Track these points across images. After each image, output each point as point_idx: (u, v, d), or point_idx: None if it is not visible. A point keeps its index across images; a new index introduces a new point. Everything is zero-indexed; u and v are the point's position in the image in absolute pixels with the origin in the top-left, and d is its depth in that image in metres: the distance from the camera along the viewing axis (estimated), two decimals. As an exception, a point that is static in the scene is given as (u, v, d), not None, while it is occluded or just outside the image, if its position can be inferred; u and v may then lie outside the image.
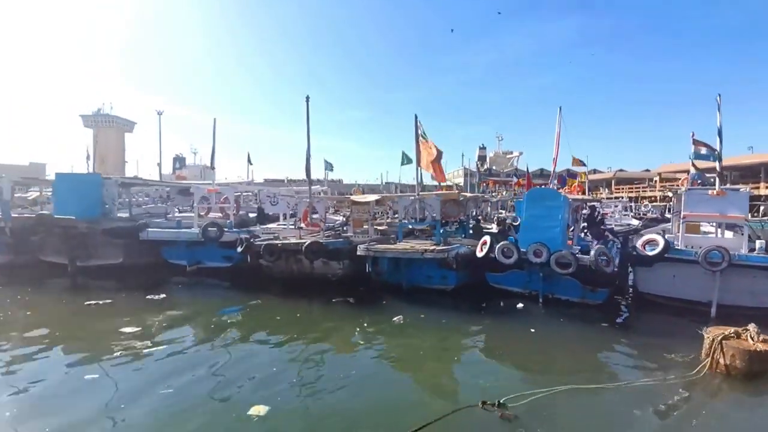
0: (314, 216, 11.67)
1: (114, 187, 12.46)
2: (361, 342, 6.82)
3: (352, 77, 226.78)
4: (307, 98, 11.42)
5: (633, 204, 35.44)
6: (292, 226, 13.55)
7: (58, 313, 8.53)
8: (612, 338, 7.04)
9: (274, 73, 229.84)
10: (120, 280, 10.94)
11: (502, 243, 8.61)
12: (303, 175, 13.22)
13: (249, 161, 22.15)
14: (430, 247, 9.33)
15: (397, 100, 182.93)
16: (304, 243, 9.73)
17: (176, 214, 16.19)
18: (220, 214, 13.99)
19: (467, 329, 7.48)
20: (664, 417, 4.52)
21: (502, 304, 8.70)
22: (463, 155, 78.97)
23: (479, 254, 8.99)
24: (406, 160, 20.12)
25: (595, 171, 62.86)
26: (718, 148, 9.82)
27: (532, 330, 7.16)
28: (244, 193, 18.96)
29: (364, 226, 12.53)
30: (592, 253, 7.88)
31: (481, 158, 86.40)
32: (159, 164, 60.26)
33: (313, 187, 18.87)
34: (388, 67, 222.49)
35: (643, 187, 46.35)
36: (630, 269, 9.55)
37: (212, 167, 12.76)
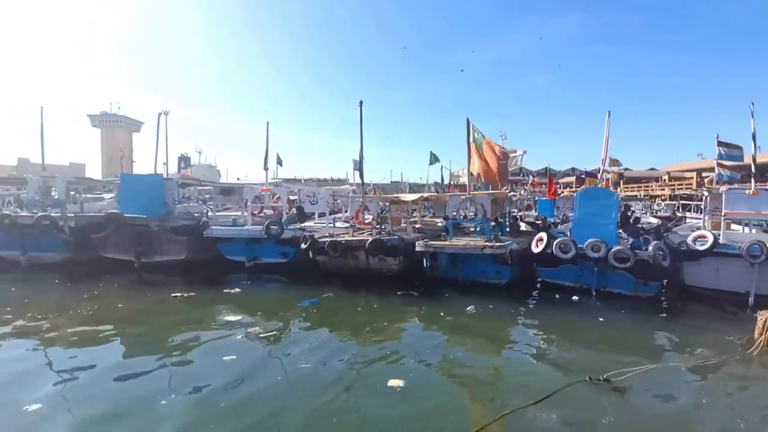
0: (366, 215, 12.30)
1: (174, 187, 13.08)
2: (448, 329, 7.47)
3: (354, 75, 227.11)
4: (361, 103, 12.08)
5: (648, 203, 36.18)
6: (330, 225, 14.24)
7: (151, 305, 9.15)
8: (671, 325, 7.72)
9: (277, 73, 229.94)
10: (184, 275, 11.60)
11: (560, 239, 9.27)
12: (310, 175, 13.84)
13: (279, 162, 22.72)
14: (485, 243, 9.98)
15: (399, 98, 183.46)
16: (367, 240, 10.38)
17: (215, 213, 16.85)
18: (254, 212, 14.56)
19: (538, 318, 8.15)
20: (738, 386, 5.30)
21: (557, 297, 9.36)
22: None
23: (535, 250, 9.64)
24: (433, 159, 20.67)
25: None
26: (753, 152, 10.49)
27: (601, 319, 7.83)
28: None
29: (402, 224, 13.21)
30: (651, 248, 8.56)
31: None
32: (165, 164, 60.79)
33: (342, 187, 19.50)
34: (389, 66, 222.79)
35: (651, 186, 47.04)
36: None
37: (265, 168, 13.37)
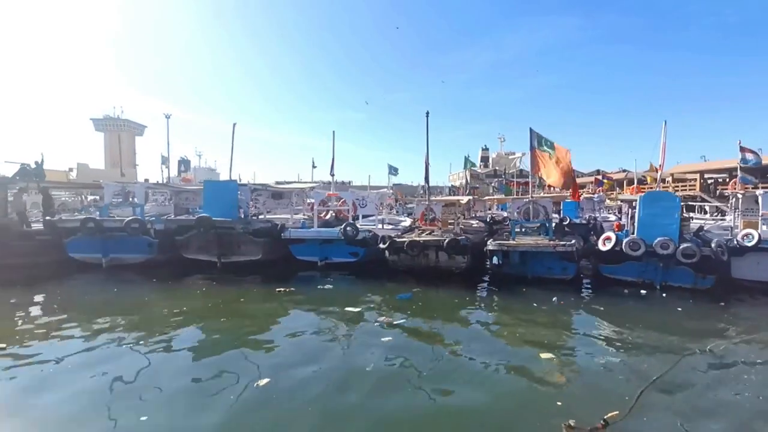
0: (431, 217, 13.21)
1: (247, 192, 13.87)
2: (552, 316, 8.43)
3: (351, 77, 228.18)
4: (427, 113, 13.02)
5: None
6: (379, 226, 15.15)
7: (262, 299, 10.00)
8: (735, 311, 8.81)
9: (273, 75, 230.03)
10: (261, 273, 12.40)
11: (629, 238, 10.31)
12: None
13: (313, 165, 23.62)
14: (557, 242, 10.99)
15: (397, 100, 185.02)
16: (445, 240, 11.32)
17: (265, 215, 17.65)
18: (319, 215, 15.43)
19: (621, 309, 9.08)
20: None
21: (626, 291, 10.33)
22: (466, 157, 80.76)
23: (603, 248, 10.67)
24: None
25: (598, 171, 64.62)
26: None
27: (679, 309, 8.86)
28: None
29: (449, 225, 14.16)
30: (713, 245, 9.65)
31: (484, 159, 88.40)
32: (168, 167, 60.99)
33: (380, 190, 20.49)
34: (388, 67, 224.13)
35: (654, 188, 48.47)
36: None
37: (331, 174, 14.23)
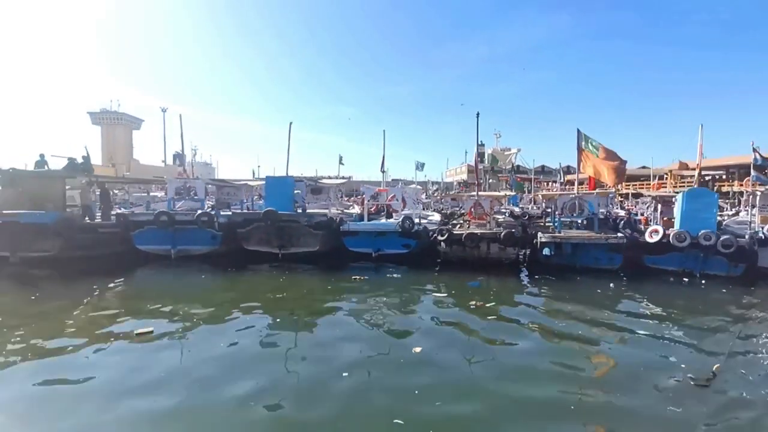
0: (479, 211, 14.09)
1: (303, 187, 14.55)
2: (615, 300, 9.45)
3: (344, 71, 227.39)
4: (477, 114, 13.91)
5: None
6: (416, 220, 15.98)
7: (340, 286, 10.79)
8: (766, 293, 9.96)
9: (267, 69, 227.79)
10: (317, 263, 13.14)
11: (676, 230, 11.39)
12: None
13: (341, 162, 24.29)
14: (607, 234, 12.03)
15: (391, 94, 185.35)
16: (502, 232, 12.25)
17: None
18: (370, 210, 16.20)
19: (674, 294, 10.14)
20: None
21: (672, 279, 11.44)
22: (466, 152, 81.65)
23: (651, 240, 11.73)
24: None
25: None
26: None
27: (724, 290, 9.95)
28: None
29: (484, 219, 15.09)
30: (747, 236, 10.77)
31: (480, 155, 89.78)
32: (164, 161, 60.90)
33: (410, 186, 21.35)
34: (381, 62, 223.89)
35: (653, 185, 50.20)
36: None
37: (382, 170, 15.00)
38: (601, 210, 21.82)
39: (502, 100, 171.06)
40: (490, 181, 69.39)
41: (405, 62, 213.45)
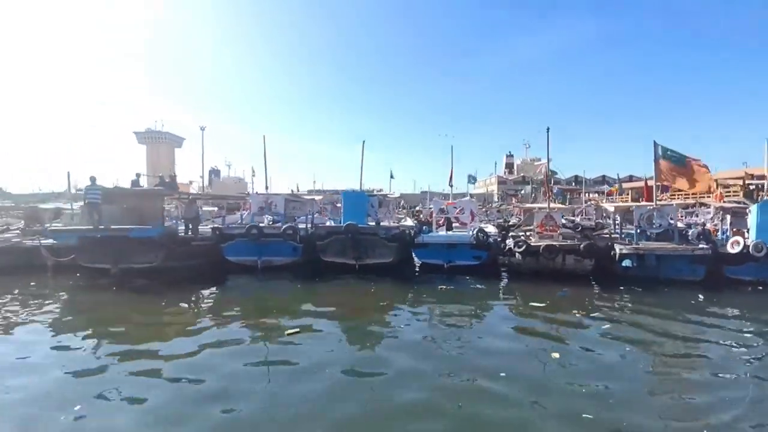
0: (551, 223, 14.26)
1: (375, 201, 15.22)
2: (710, 310, 9.43)
3: (366, 84, 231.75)
4: (548, 129, 14.23)
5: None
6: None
7: (428, 296, 11.25)
8: None
9: (293, 84, 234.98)
10: (392, 274, 13.58)
11: (755, 241, 11.34)
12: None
13: (391, 176, 24.96)
14: (693, 246, 12.02)
15: (413, 106, 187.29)
16: (581, 244, 12.41)
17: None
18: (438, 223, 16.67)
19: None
20: None
21: (750, 289, 11.46)
22: (495, 164, 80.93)
23: (732, 251, 11.63)
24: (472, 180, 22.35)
25: (632, 178, 63.90)
26: None
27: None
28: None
29: (546, 231, 15.17)
30: None
31: (509, 165, 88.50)
32: (201, 177, 63.51)
33: (464, 199, 21.64)
34: (403, 74, 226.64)
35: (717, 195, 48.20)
36: None
37: (450, 185, 15.42)
38: (658, 222, 21.67)
39: (526, 110, 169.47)
40: (522, 192, 68.63)
41: (425, 74, 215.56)
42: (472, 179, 22.98)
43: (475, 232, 13.72)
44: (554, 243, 12.79)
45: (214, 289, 12.25)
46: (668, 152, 12.76)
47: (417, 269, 14.95)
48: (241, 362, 6.13)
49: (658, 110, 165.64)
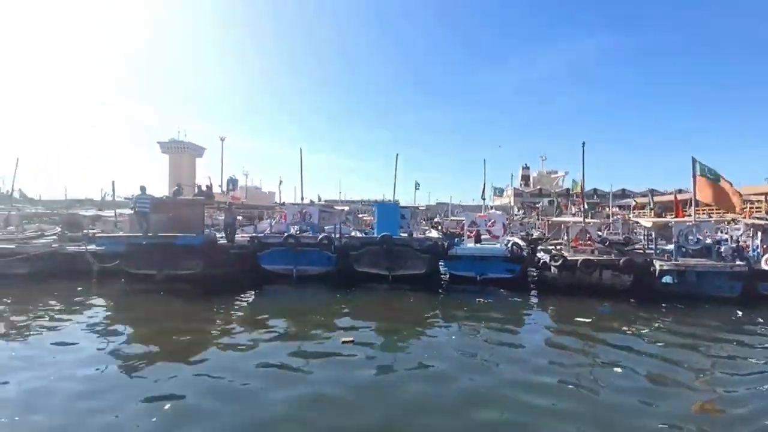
0: (588, 238, 14.29)
1: (408, 213, 15.48)
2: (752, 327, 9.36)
3: (380, 99, 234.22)
4: (583, 144, 14.34)
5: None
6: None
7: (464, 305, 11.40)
8: None
9: (300, 99, 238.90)
10: (424, 287, 13.70)
11: None
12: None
13: (417, 187, 25.20)
14: (732, 263, 11.90)
15: (426, 120, 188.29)
16: (620, 259, 12.37)
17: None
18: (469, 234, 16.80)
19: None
20: None
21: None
22: (512, 176, 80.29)
23: (767, 268, 11.52)
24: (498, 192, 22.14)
25: (652, 192, 62.54)
26: None
27: None
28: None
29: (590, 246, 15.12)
30: None
31: (525, 178, 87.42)
32: (221, 186, 64.70)
33: (493, 212, 21.61)
34: (416, 89, 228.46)
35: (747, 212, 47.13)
36: None
37: (483, 197, 15.62)
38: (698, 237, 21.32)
39: (542, 123, 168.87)
40: (539, 204, 67.86)
41: (438, 89, 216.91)
42: (498, 191, 23.08)
43: (510, 245, 13.80)
44: (592, 258, 12.78)
45: (253, 295, 12.60)
46: (706, 169, 12.73)
47: (444, 281, 15.03)
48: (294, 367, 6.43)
49: (679, 124, 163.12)
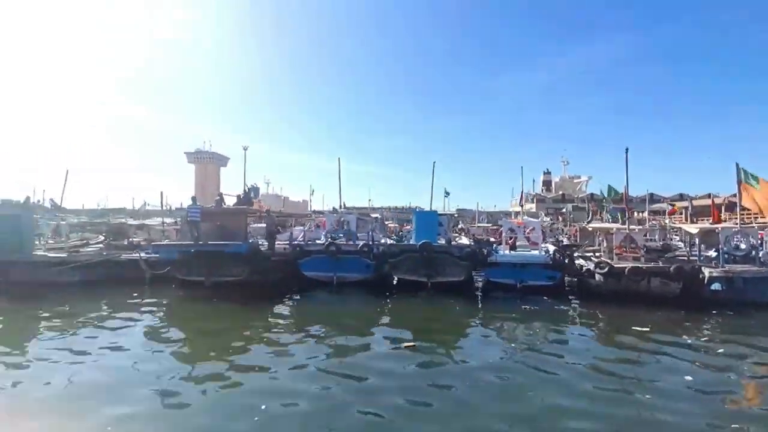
0: (632, 245, 14.08)
1: (445, 221, 15.66)
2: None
3: (400, 104, 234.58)
4: (627, 150, 14.32)
5: None
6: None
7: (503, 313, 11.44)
8: None
9: (309, 104, 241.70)
10: (463, 294, 13.74)
11: None
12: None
13: (446, 193, 25.27)
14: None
15: (448, 125, 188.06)
16: (670, 266, 12.20)
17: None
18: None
19: None
20: None
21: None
22: (534, 181, 78.80)
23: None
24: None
25: (682, 196, 60.42)
26: None
27: None
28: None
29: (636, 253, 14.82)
30: None
31: (547, 183, 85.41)
32: (239, 195, 66.39)
33: (532, 219, 21.46)
34: (436, 93, 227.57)
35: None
36: None
37: (520, 204, 15.63)
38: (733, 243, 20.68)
39: (560, 127, 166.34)
40: (563, 210, 66.36)
41: (458, 95, 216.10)
42: (530, 198, 22.89)
43: (552, 252, 13.77)
44: (640, 265, 12.63)
45: (297, 300, 12.98)
46: (749, 175, 12.52)
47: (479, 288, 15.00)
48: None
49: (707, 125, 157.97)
